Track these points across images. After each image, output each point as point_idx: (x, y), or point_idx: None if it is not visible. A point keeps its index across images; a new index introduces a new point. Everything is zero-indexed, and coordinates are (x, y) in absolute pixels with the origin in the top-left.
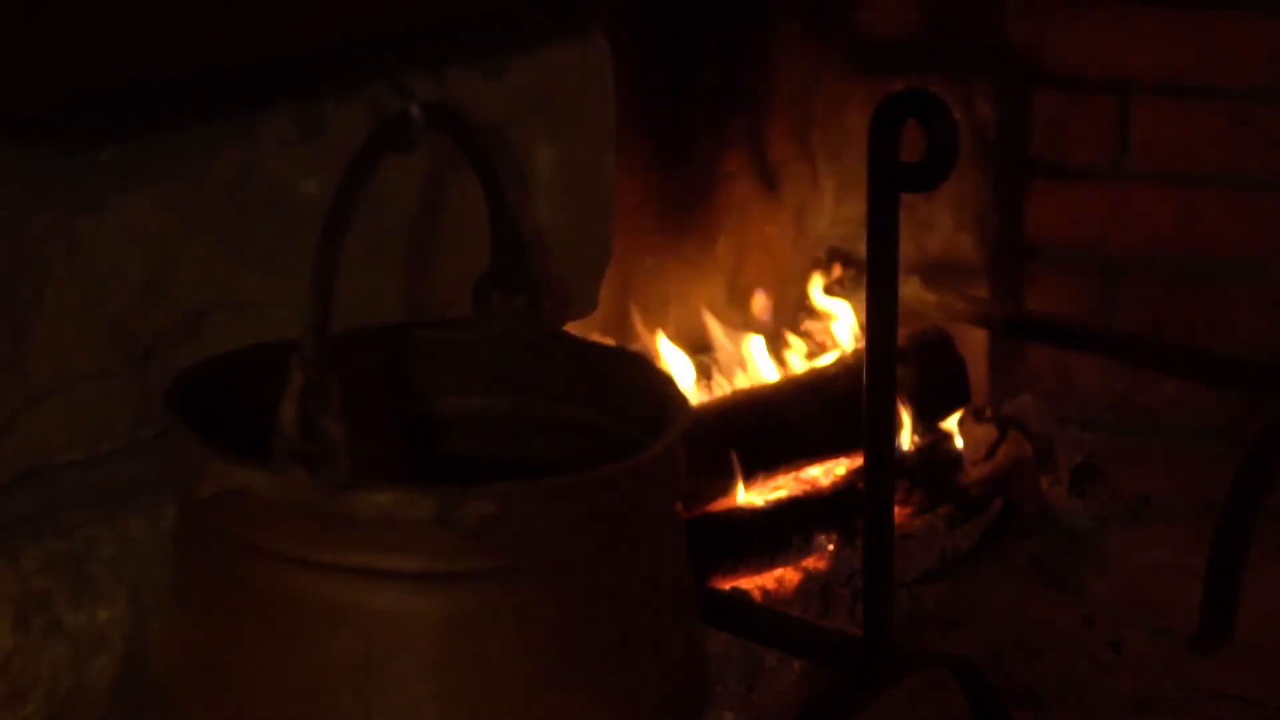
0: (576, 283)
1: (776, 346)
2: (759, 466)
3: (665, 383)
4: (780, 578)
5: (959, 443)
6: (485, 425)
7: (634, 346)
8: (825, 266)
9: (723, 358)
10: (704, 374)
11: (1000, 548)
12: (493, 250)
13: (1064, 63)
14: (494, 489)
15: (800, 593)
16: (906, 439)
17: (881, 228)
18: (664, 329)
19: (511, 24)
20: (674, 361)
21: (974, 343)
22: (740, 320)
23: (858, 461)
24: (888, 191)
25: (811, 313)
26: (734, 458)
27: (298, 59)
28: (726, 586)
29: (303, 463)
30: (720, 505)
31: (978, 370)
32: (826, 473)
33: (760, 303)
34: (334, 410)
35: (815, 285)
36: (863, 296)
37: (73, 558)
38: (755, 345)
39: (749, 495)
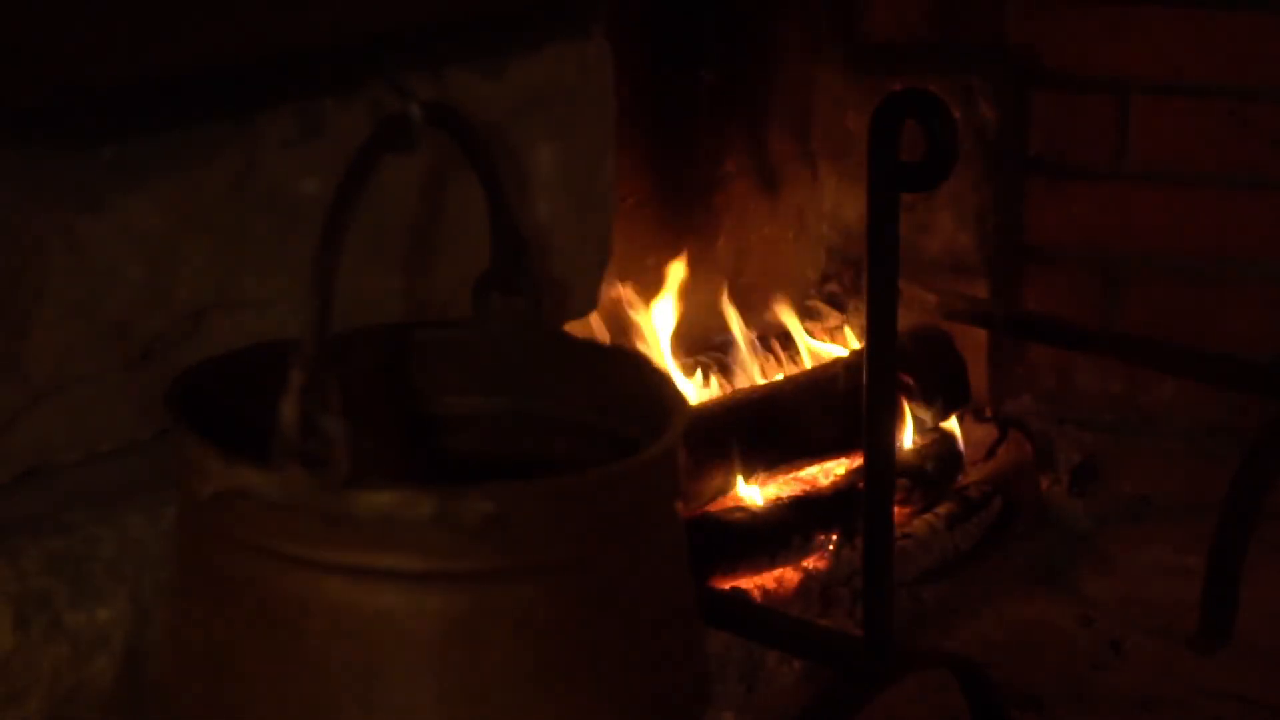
0: (576, 283)
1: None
2: (759, 466)
3: (665, 383)
4: (780, 578)
5: (959, 443)
6: (485, 425)
7: (634, 346)
8: (826, 268)
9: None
10: (704, 374)
11: (1000, 548)
12: (493, 250)
13: (1064, 63)
14: (494, 489)
15: (800, 593)
16: (910, 438)
17: (881, 228)
18: (665, 329)
19: (511, 24)
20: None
21: (974, 343)
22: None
23: (858, 461)
24: (888, 191)
25: (811, 313)
26: (736, 458)
27: (298, 59)
28: (726, 586)
29: (303, 463)
30: (720, 505)
31: (978, 370)
32: (826, 473)
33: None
34: (334, 410)
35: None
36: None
37: (73, 557)
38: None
39: (749, 495)
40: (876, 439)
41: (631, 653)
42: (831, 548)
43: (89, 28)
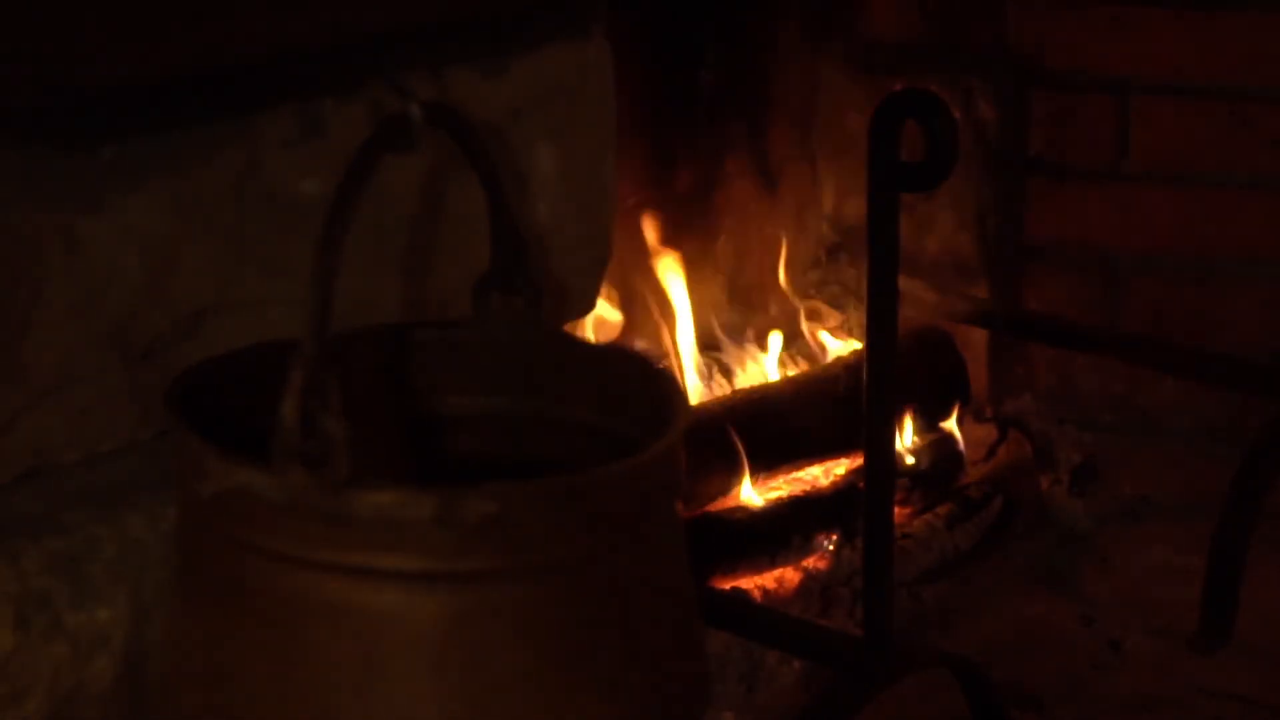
0: (576, 283)
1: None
2: (759, 466)
3: (665, 383)
4: (780, 578)
5: (959, 443)
6: (485, 425)
7: (636, 346)
8: (825, 267)
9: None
10: (705, 374)
11: (1000, 547)
12: (493, 250)
13: (1064, 63)
14: (494, 489)
15: (800, 593)
16: (910, 438)
17: (881, 228)
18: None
19: (511, 24)
20: (686, 359)
21: (974, 343)
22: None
23: (858, 461)
24: (888, 191)
25: (812, 314)
26: (741, 457)
27: (298, 59)
28: (726, 586)
29: (303, 463)
30: (720, 505)
31: (978, 370)
32: (826, 473)
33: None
34: (334, 410)
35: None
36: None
37: (73, 558)
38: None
39: (749, 495)
40: (876, 439)
41: (631, 652)
42: (831, 548)
43: (89, 28)
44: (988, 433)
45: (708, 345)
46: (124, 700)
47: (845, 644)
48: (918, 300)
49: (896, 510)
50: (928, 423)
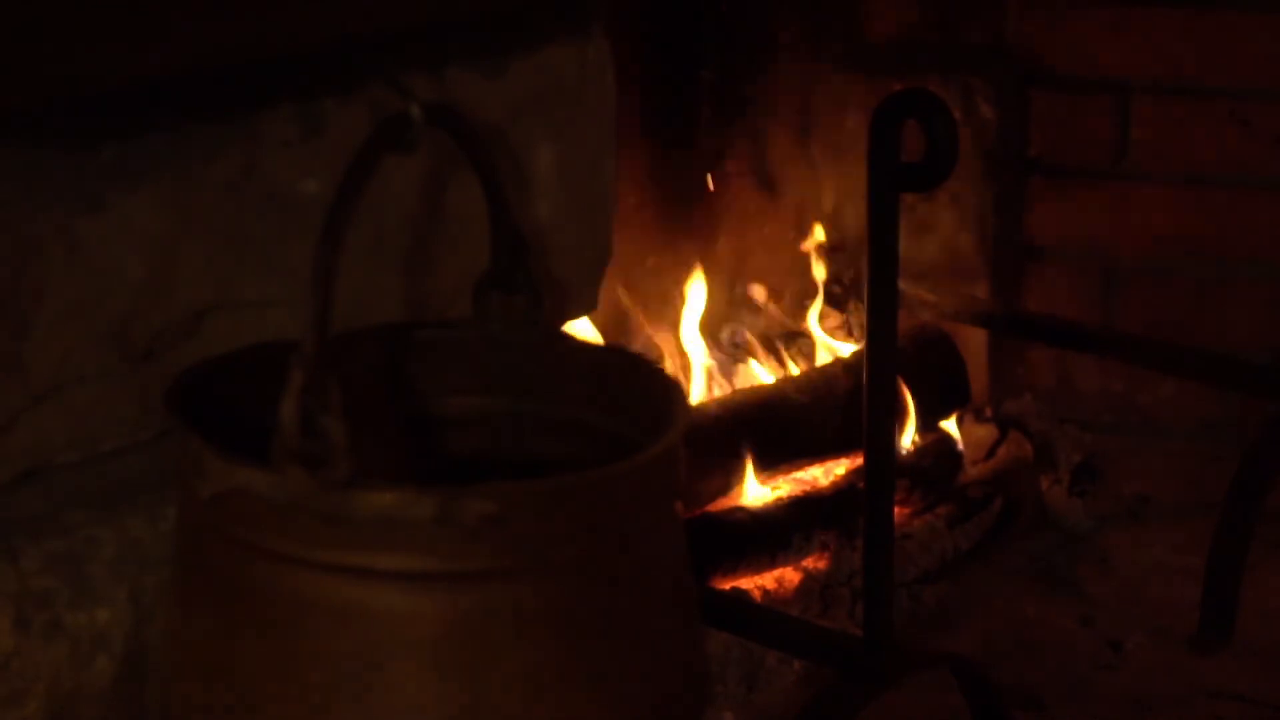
0: (576, 283)
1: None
2: (760, 466)
3: (665, 383)
4: (780, 578)
5: (959, 443)
6: (485, 425)
7: (636, 346)
8: (825, 268)
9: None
10: (706, 374)
11: (1000, 548)
12: (493, 250)
13: (1064, 63)
14: (494, 489)
15: (800, 593)
16: (910, 438)
17: (881, 228)
18: (666, 329)
19: (511, 24)
20: (694, 353)
21: (974, 343)
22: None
23: (858, 461)
24: (888, 191)
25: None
26: (741, 457)
27: (298, 59)
28: (726, 586)
29: (303, 463)
30: (720, 505)
31: (978, 370)
32: (826, 473)
33: (760, 293)
34: (334, 410)
35: (813, 311)
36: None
37: (73, 558)
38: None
39: (749, 495)
40: (876, 439)
41: (631, 653)
42: (831, 548)
43: (89, 28)
44: (988, 433)
45: (707, 345)
46: (124, 700)
47: (845, 644)
48: (918, 300)
49: (896, 510)
50: (928, 423)
